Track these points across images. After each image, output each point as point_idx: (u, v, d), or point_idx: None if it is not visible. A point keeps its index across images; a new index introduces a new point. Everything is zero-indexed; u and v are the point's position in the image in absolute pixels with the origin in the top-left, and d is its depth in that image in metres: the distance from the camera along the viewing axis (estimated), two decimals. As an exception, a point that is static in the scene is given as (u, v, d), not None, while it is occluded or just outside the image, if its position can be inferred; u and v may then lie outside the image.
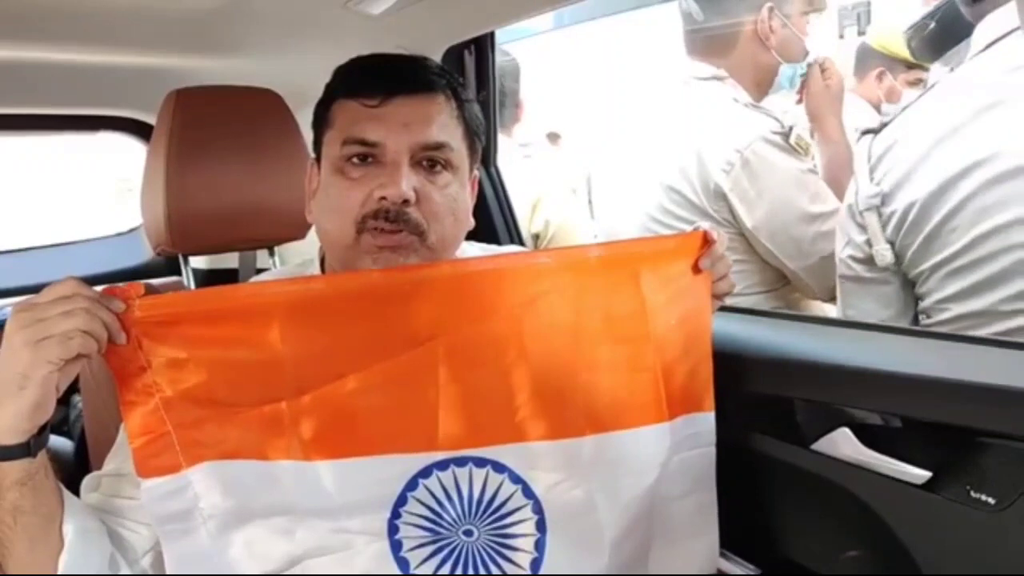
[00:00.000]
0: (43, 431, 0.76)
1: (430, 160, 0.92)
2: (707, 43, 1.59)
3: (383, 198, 0.89)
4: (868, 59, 2.47)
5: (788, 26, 1.56)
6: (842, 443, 0.96)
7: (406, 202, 0.89)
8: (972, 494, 0.85)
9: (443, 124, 0.93)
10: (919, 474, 0.90)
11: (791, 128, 1.48)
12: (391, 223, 0.89)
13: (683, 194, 1.48)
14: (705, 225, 0.96)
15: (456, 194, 0.94)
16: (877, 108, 2.39)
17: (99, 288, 0.78)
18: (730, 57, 1.58)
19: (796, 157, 1.47)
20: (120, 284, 0.79)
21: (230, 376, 0.82)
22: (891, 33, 2.36)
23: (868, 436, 0.94)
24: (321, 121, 0.97)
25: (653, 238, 1.00)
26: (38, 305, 0.74)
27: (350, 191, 0.91)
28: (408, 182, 0.89)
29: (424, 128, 0.91)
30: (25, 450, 0.75)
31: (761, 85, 1.58)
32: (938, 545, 0.90)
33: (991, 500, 0.83)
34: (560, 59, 6.84)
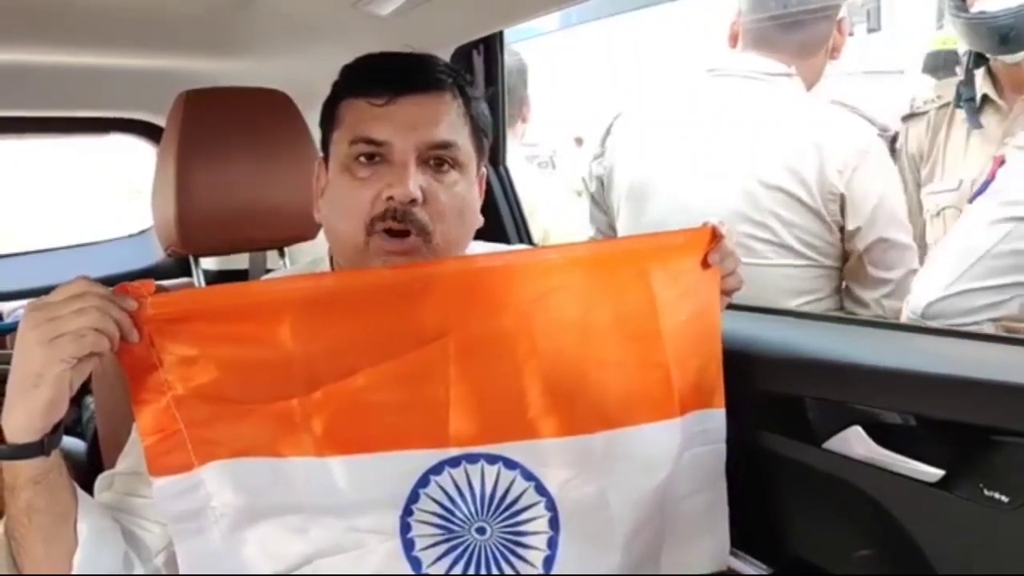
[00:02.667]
0: (56, 430, 0.77)
1: (437, 159, 0.92)
2: (797, 39, 1.49)
3: (390, 198, 0.89)
4: None
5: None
6: (854, 441, 0.95)
7: (413, 202, 0.89)
8: (985, 492, 0.84)
9: (450, 123, 0.93)
10: (932, 472, 0.89)
11: (897, 133, 1.47)
12: (398, 222, 0.89)
13: (793, 194, 1.39)
14: (714, 221, 0.95)
15: (463, 193, 0.95)
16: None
17: (111, 287, 0.79)
18: (816, 56, 1.51)
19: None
20: (132, 282, 0.79)
21: (241, 373, 0.82)
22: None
23: (880, 434, 0.94)
24: (329, 119, 0.97)
25: (662, 233, 0.99)
26: (51, 304, 0.74)
27: (359, 191, 0.91)
28: (415, 181, 0.89)
29: (431, 127, 0.91)
30: (39, 448, 0.75)
31: (809, 89, 1.52)
32: (951, 544, 0.89)
33: (1004, 499, 0.83)
34: (568, 59, 6.83)
